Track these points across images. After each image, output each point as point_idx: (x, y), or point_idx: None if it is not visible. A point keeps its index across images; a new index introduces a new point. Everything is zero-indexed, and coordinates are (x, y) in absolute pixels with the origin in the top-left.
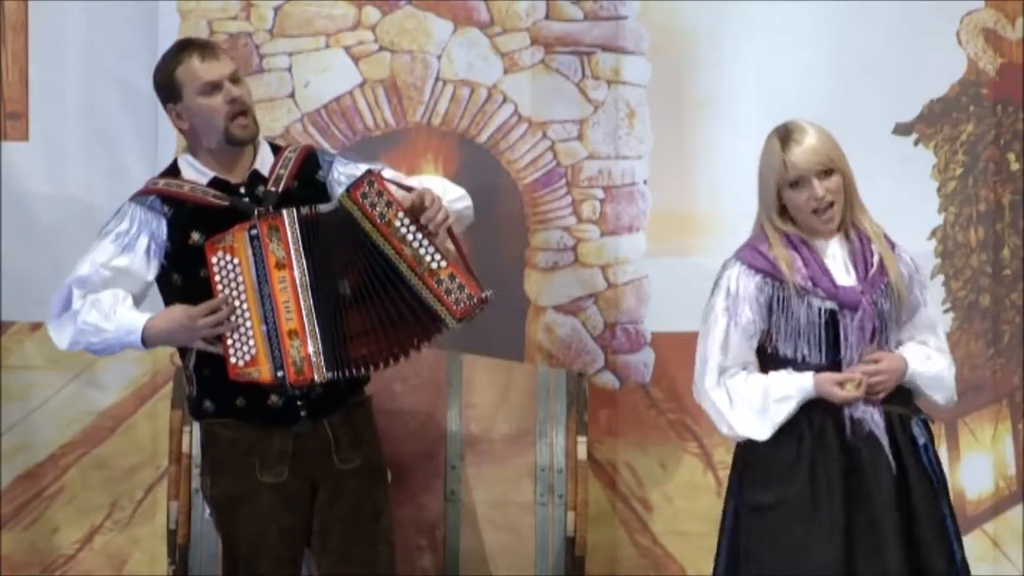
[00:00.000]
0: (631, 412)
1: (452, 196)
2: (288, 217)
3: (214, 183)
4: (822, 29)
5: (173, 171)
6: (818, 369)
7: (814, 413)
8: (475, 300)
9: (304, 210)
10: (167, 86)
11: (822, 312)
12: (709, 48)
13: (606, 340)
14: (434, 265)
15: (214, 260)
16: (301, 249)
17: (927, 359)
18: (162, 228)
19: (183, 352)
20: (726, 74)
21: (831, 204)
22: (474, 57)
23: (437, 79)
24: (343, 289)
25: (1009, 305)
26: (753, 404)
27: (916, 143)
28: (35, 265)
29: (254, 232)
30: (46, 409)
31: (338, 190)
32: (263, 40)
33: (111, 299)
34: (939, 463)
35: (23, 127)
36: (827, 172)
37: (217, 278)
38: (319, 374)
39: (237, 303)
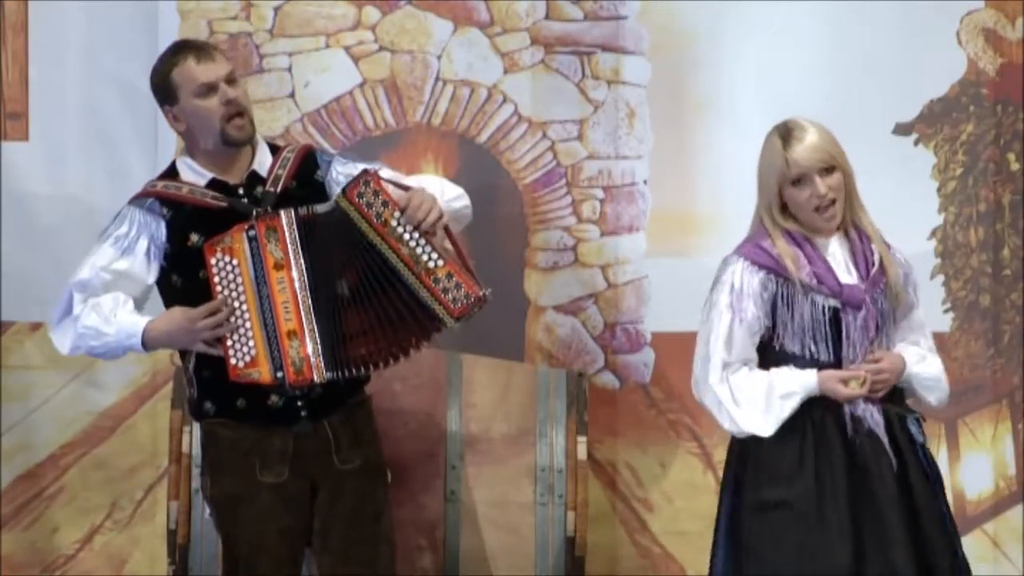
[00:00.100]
0: (631, 412)
1: (450, 195)
2: (286, 218)
3: (212, 184)
4: (822, 29)
5: (171, 173)
6: (821, 366)
7: (815, 410)
8: (473, 299)
9: (302, 210)
10: (163, 88)
11: (826, 310)
12: (709, 48)
13: (606, 340)
14: (431, 264)
15: (213, 261)
16: (299, 250)
17: (922, 360)
18: (161, 230)
19: (183, 354)
20: (726, 74)
21: (833, 201)
22: (474, 57)
23: (437, 79)
24: (341, 289)
25: (1009, 305)
26: (757, 400)
27: (916, 143)
28: (35, 265)
29: (252, 233)
30: (46, 409)
31: (337, 190)
32: (263, 40)
33: (111, 303)
34: (935, 462)
35: (23, 127)
36: (829, 169)
37: (216, 279)
38: (318, 374)
39: (236, 304)
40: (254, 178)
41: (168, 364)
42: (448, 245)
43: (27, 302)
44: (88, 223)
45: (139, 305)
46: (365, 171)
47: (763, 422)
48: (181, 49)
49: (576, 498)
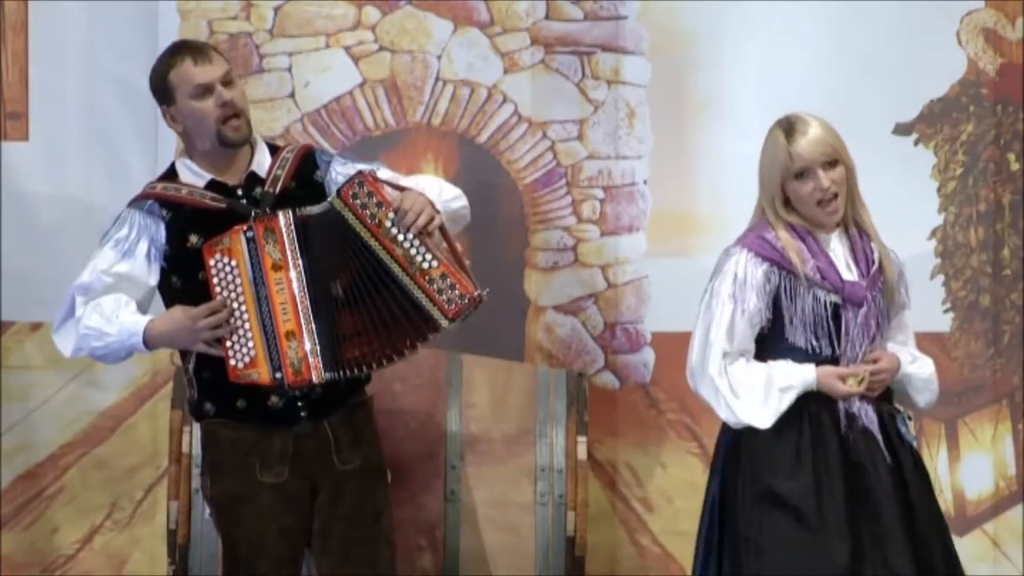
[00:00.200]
0: (631, 412)
1: (448, 196)
2: (284, 219)
3: (211, 185)
4: (822, 29)
5: (171, 175)
6: (820, 362)
7: (810, 406)
8: (467, 300)
9: (300, 211)
10: (161, 89)
11: (827, 305)
12: (709, 48)
13: (606, 340)
14: (425, 265)
15: (212, 263)
16: (297, 250)
17: (915, 360)
18: (161, 232)
19: (183, 355)
20: (726, 74)
21: (835, 195)
22: (474, 57)
23: (437, 79)
24: (336, 290)
25: (1009, 305)
26: (756, 392)
27: (916, 143)
28: (35, 265)
29: (250, 234)
30: (46, 409)
31: (338, 187)
32: (263, 40)
33: (113, 303)
34: (923, 461)
35: (23, 127)
36: (831, 163)
37: (215, 280)
38: (317, 375)
39: (235, 305)
40: (253, 179)
41: (168, 364)
42: (444, 246)
43: (27, 302)
44: (88, 223)
45: (142, 308)
46: (360, 172)
47: (761, 414)
48: (179, 50)
49: (576, 498)
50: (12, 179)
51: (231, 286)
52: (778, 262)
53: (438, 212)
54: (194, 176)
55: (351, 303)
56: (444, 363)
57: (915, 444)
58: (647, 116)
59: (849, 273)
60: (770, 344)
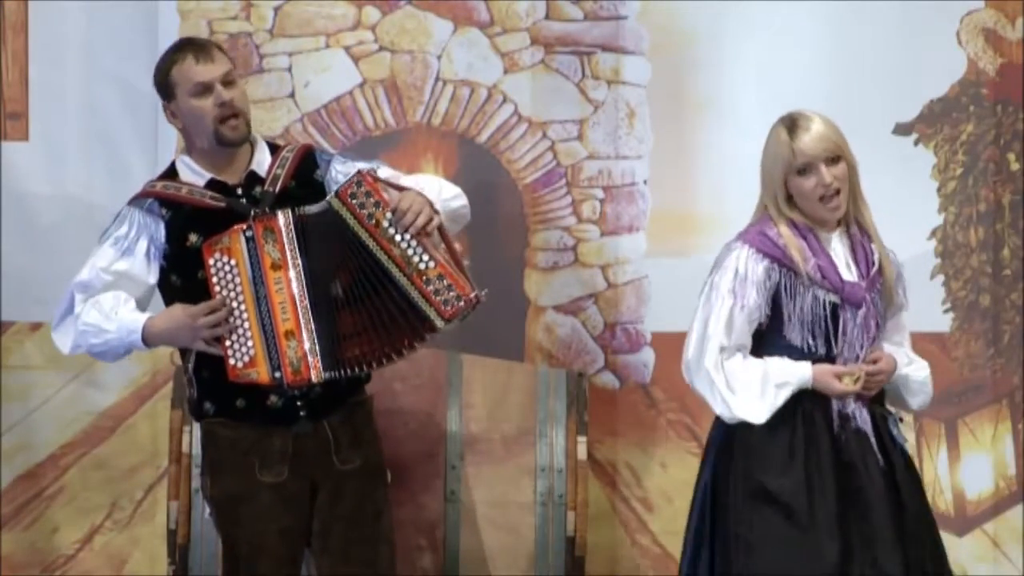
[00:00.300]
0: (631, 412)
1: (447, 195)
2: (283, 218)
3: (211, 184)
4: (822, 29)
5: (171, 173)
6: (815, 360)
7: (804, 403)
8: (464, 301)
9: (299, 211)
10: (163, 85)
11: (826, 304)
12: (709, 48)
13: (606, 340)
14: (422, 266)
15: (211, 262)
16: (297, 250)
17: (910, 363)
18: (160, 231)
19: (183, 354)
20: (726, 74)
21: (837, 191)
22: (474, 57)
23: (437, 79)
24: (335, 290)
25: (1009, 305)
26: (752, 387)
27: (916, 143)
28: (35, 265)
29: (249, 234)
30: (46, 409)
31: (336, 187)
32: (263, 40)
33: (112, 300)
34: (913, 462)
35: (23, 127)
36: (834, 160)
37: (214, 279)
38: (316, 374)
39: (235, 304)
40: (253, 178)
41: (168, 364)
42: (442, 246)
43: (27, 302)
44: (88, 222)
45: (141, 306)
46: (358, 171)
47: (757, 409)
48: (183, 47)
49: (576, 498)
50: (12, 179)
51: (230, 285)
52: (779, 259)
53: (437, 212)
54: (194, 175)
55: (350, 303)
56: (444, 363)
57: (907, 446)
58: (647, 116)
59: (849, 273)
60: (766, 340)
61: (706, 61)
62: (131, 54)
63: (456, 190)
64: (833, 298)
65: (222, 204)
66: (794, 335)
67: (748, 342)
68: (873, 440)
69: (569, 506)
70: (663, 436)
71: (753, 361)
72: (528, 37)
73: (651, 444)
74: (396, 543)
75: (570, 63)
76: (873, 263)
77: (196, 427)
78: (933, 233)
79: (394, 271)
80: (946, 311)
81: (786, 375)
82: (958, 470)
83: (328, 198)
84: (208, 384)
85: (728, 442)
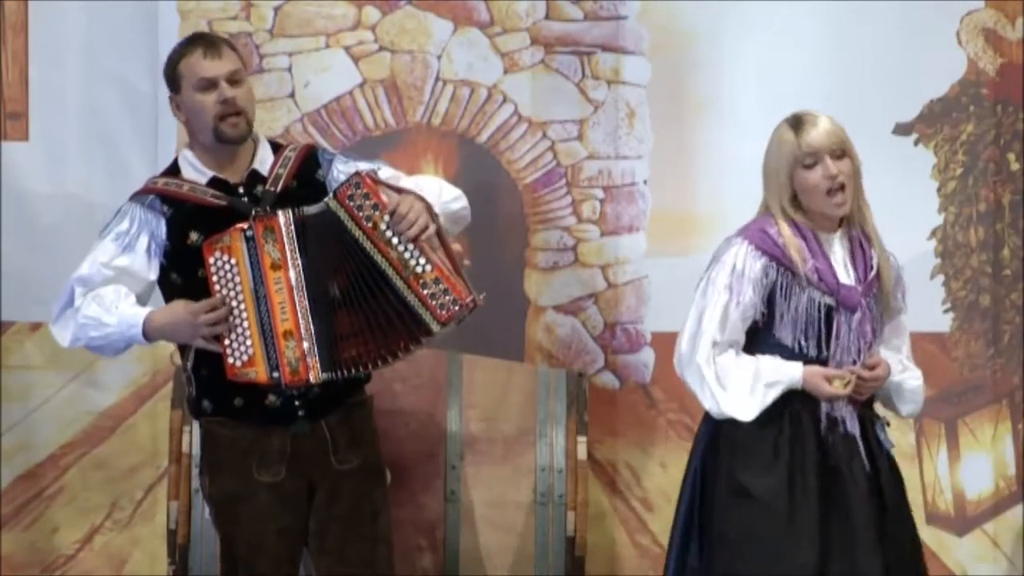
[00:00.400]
0: (631, 412)
1: (448, 197)
2: (283, 218)
3: (213, 183)
4: (822, 29)
5: (173, 170)
6: (807, 362)
7: (793, 404)
8: (460, 306)
9: (299, 211)
10: (171, 76)
11: (820, 306)
12: (709, 48)
13: (606, 340)
14: (419, 269)
15: (211, 260)
16: (296, 250)
17: (904, 370)
18: (161, 228)
19: (182, 351)
20: (726, 74)
21: (843, 186)
22: (474, 57)
23: (437, 79)
24: (333, 291)
25: (1009, 305)
26: (743, 385)
27: (916, 143)
28: (35, 265)
29: (249, 233)
30: (46, 409)
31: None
32: (263, 40)
33: (113, 294)
34: (898, 469)
35: (23, 127)
36: (840, 155)
37: (215, 278)
38: (314, 375)
39: (234, 303)
40: (255, 177)
41: (168, 364)
42: (440, 249)
43: (27, 302)
44: (88, 222)
45: (141, 302)
46: (357, 173)
47: (745, 407)
48: (194, 41)
49: (576, 498)
50: (12, 179)
51: (230, 284)
52: (778, 258)
53: (435, 216)
54: (196, 172)
55: (347, 304)
56: (444, 363)
57: (892, 452)
58: (647, 116)
59: (846, 276)
60: (759, 338)
61: (706, 61)
62: (131, 54)
63: (456, 192)
64: (828, 300)
65: (223, 203)
66: (785, 335)
67: (742, 338)
68: (860, 444)
69: (569, 506)
70: (663, 436)
71: (745, 358)
72: (528, 37)
73: (651, 444)
74: (395, 543)
75: (570, 63)
76: (871, 267)
77: (196, 427)
78: (933, 233)
79: (391, 274)
80: (946, 311)
81: (776, 374)
82: (958, 470)
83: (326, 199)
84: (207, 382)
85: (715, 438)
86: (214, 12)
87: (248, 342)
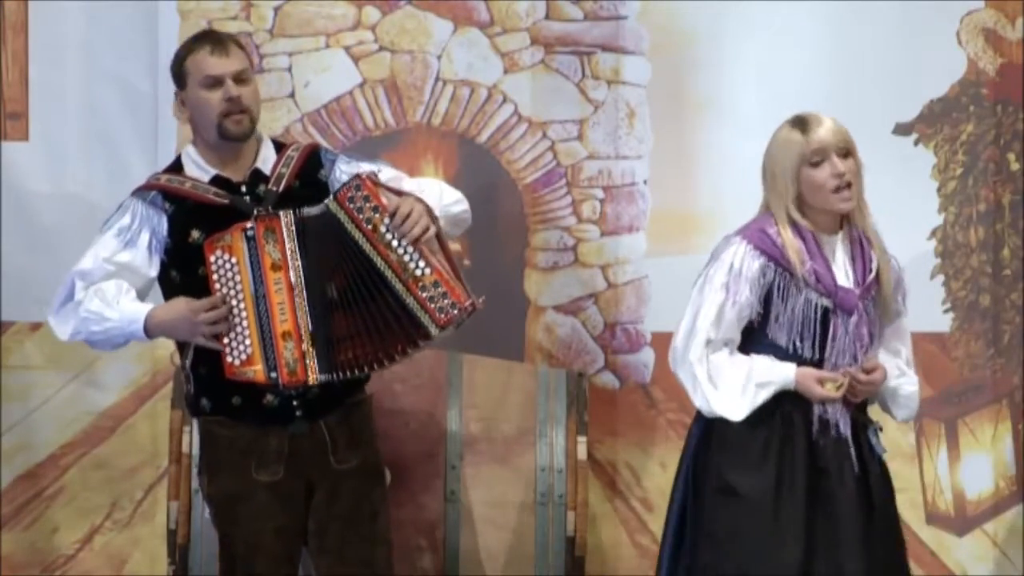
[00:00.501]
0: (631, 412)
1: (448, 200)
2: (284, 219)
3: (215, 181)
4: (822, 29)
5: (176, 166)
6: (803, 364)
7: (784, 405)
8: (459, 309)
9: (299, 212)
10: (177, 73)
11: (817, 308)
12: (709, 48)
13: (606, 340)
14: (418, 272)
15: (212, 259)
16: (297, 251)
17: (901, 375)
18: (163, 224)
19: (181, 349)
20: (726, 74)
21: (849, 184)
22: (474, 57)
23: (437, 79)
24: (332, 292)
25: (1009, 305)
26: (735, 384)
27: (916, 143)
28: (35, 265)
29: (251, 233)
30: (46, 409)
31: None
32: (263, 40)
33: (114, 289)
34: (889, 475)
35: (23, 127)
36: (845, 154)
37: (215, 277)
38: (312, 376)
39: (234, 303)
40: (257, 176)
41: (168, 364)
42: (440, 253)
43: (27, 302)
44: (88, 222)
45: (141, 297)
46: (357, 175)
47: (736, 406)
48: (201, 38)
49: (576, 498)
50: (12, 179)
51: (230, 283)
52: (776, 258)
53: (435, 219)
54: (199, 170)
55: (346, 306)
56: (444, 363)
57: (884, 457)
58: (647, 116)
59: (845, 279)
60: (754, 338)
61: (706, 61)
62: (131, 54)
63: (457, 195)
64: (826, 303)
65: (225, 201)
66: (779, 335)
67: (737, 337)
68: (852, 448)
69: (569, 506)
70: (663, 436)
71: (740, 358)
72: (528, 37)
73: (651, 444)
74: (395, 543)
75: (570, 63)
76: (870, 270)
77: (196, 427)
78: (933, 233)
79: (389, 276)
80: (946, 311)
81: (769, 375)
82: (958, 470)
83: (326, 201)
84: (205, 380)
85: (707, 436)
86: (214, 12)
87: (247, 341)
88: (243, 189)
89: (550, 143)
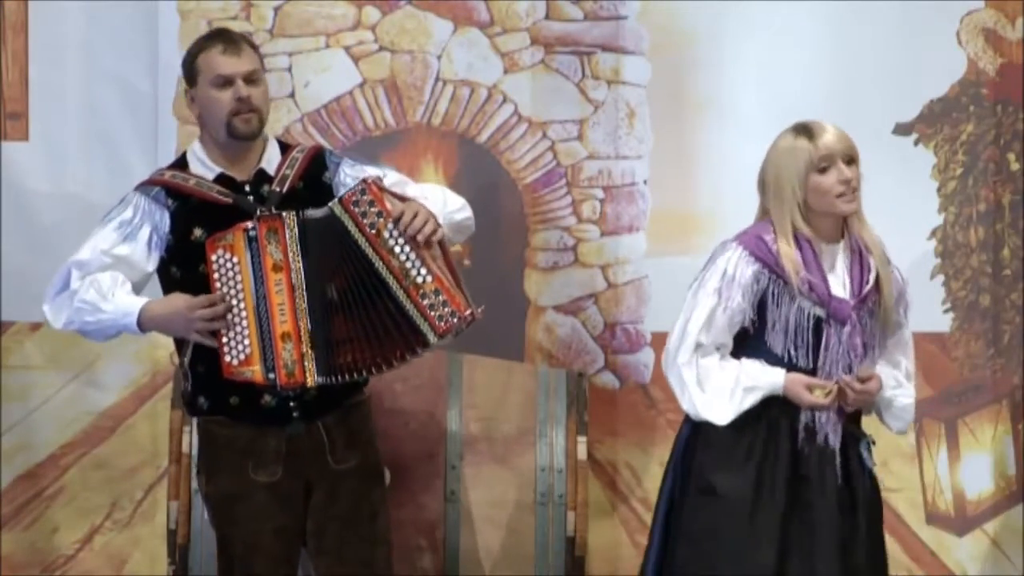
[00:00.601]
0: (631, 412)
1: (452, 207)
2: (287, 220)
3: (220, 179)
4: (822, 29)
5: (181, 163)
6: (797, 372)
7: (772, 410)
8: (458, 318)
9: (303, 214)
10: (188, 70)
11: (810, 316)
12: (709, 48)
13: (606, 340)
14: (419, 279)
15: (214, 258)
16: (298, 253)
17: (897, 387)
18: (165, 221)
19: (179, 347)
20: (726, 74)
21: (855, 189)
22: (474, 57)
23: (437, 79)
24: (332, 295)
25: (1009, 305)
26: (722, 389)
27: (916, 143)
28: (35, 265)
29: (253, 233)
30: (46, 409)
31: (341, 193)
32: (263, 40)
33: (110, 281)
34: (879, 489)
35: (23, 127)
36: (849, 161)
37: (216, 275)
38: (311, 378)
39: (234, 302)
40: (262, 176)
41: (168, 364)
42: (441, 260)
43: (27, 302)
44: (88, 222)
45: (136, 291)
46: (363, 179)
47: (722, 411)
48: (214, 36)
49: (576, 498)
50: (12, 179)
51: (231, 283)
52: (770, 265)
53: (439, 226)
54: (204, 168)
55: (345, 309)
56: (444, 363)
57: (875, 470)
58: (647, 116)
59: (842, 290)
60: (751, 344)
61: (706, 61)
62: (131, 54)
63: (461, 202)
64: (819, 312)
65: (229, 200)
66: (776, 343)
67: (728, 342)
68: (838, 459)
69: (569, 506)
70: (663, 436)
71: (730, 363)
72: (528, 37)
73: (651, 444)
74: (395, 543)
75: (570, 63)
76: (867, 281)
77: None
78: (933, 233)
79: (391, 282)
80: (946, 311)
81: (756, 380)
82: (958, 470)
83: (331, 204)
84: (203, 379)
85: (694, 438)
86: (214, 12)
87: (246, 341)
88: (247, 189)
89: (550, 143)
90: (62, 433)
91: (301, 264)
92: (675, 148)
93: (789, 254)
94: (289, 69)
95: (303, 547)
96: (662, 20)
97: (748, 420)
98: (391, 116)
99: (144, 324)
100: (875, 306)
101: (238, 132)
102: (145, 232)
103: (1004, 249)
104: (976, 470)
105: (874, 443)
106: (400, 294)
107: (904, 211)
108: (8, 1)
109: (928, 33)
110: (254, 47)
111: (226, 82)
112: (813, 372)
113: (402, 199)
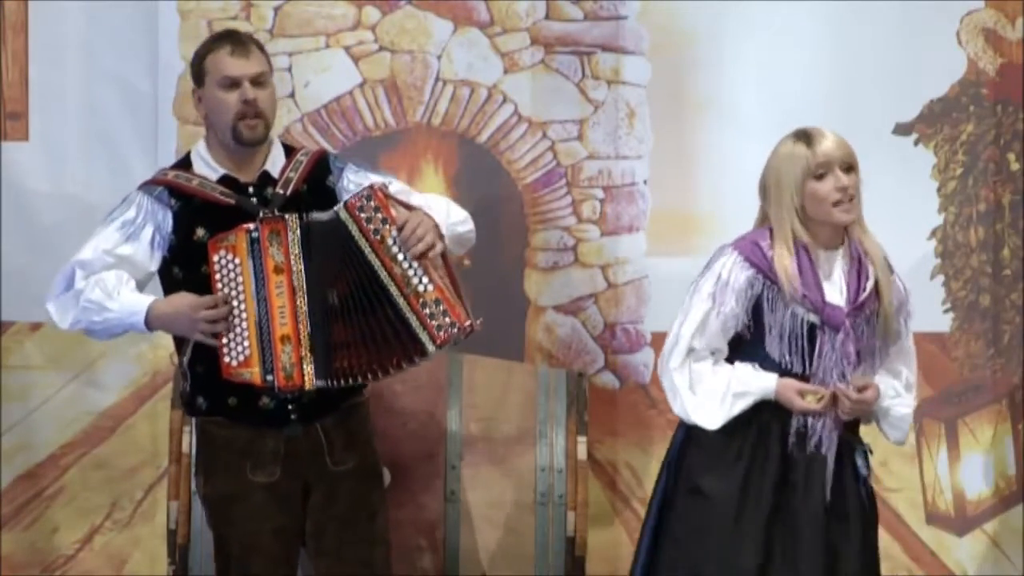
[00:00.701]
0: (631, 412)
1: (455, 219)
2: (290, 222)
3: (223, 180)
4: (822, 29)
5: (184, 163)
6: (791, 376)
7: (763, 415)
8: (458, 329)
9: (306, 217)
10: (196, 70)
11: (804, 323)
12: (709, 48)
13: (606, 340)
14: (420, 288)
15: (216, 259)
16: (300, 256)
17: (896, 396)
18: (168, 221)
19: (179, 347)
20: (726, 74)
21: (852, 197)
22: (474, 57)
23: (437, 79)
24: (332, 300)
25: (1009, 305)
26: (714, 394)
27: (916, 143)
28: (35, 265)
29: (255, 235)
30: (46, 409)
31: (346, 198)
32: (263, 40)
33: (115, 280)
34: (874, 498)
35: (23, 127)
36: (847, 168)
37: (217, 276)
38: (309, 381)
39: (235, 303)
40: (265, 178)
41: (168, 365)
42: (443, 270)
43: (27, 302)
44: (88, 222)
45: (139, 289)
46: (370, 186)
47: (712, 415)
48: (223, 37)
49: (576, 498)
50: (12, 179)
51: (232, 284)
52: (765, 271)
53: (442, 237)
54: (207, 168)
55: (345, 313)
56: (444, 363)
57: (870, 479)
58: (647, 116)
59: (838, 296)
60: (748, 349)
61: (706, 61)
62: (131, 54)
63: (464, 214)
64: (812, 318)
65: (232, 201)
66: (773, 349)
67: (723, 347)
68: (830, 466)
69: (569, 506)
70: (663, 436)
71: (723, 368)
72: (528, 37)
73: (651, 444)
74: (395, 543)
75: (570, 63)
76: (864, 288)
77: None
78: (933, 233)
79: (392, 289)
80: (946, 311)
81: (747, 385)
82: (958, 470)
83: (336, 208)
84: (202, 379)
85: (686, 441)
86: (214, 12)
87: (245, 343)
88: (251, 190)
89: (550, 143)
90: (62, 433)
91: (303, 267)
92: (675, 148)
93: (783, 260)
94: (289, 69)
95: (303, 548)
96: (662, 20)
97: (739, 423)
98: (391, 116)
99: (151, 322)
100: (873, 314)
101: (243, 138)
102: (148, 232)
103: (1004, 249)
104: (976, 470)
105: (871, 452)
106: (401, 302)
107: (904, 211)
108: (8, 1)
109: (928, 33)
110: (263, 50)
111: (233, 84)
112: (808, 378)
113: (407, 207)
